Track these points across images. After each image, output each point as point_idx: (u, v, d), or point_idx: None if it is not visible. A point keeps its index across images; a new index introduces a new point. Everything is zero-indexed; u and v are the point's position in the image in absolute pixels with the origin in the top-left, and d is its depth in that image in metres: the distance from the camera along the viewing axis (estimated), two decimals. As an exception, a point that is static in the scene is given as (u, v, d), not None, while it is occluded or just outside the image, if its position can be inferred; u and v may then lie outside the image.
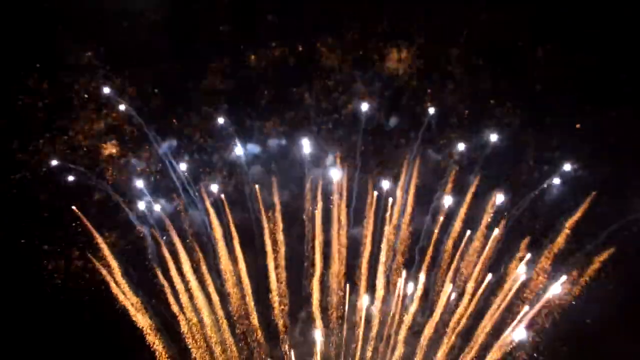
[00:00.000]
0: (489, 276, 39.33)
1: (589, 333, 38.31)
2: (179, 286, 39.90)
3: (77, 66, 43.82)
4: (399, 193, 42.16)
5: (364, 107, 43.68)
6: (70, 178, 41.43)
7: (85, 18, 44.39)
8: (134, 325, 38.70)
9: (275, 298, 40.90)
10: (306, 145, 42.54)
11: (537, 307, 37.87)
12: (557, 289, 37.34)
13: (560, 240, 39.95)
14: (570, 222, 40.08)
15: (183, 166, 43.04)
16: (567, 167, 41.41)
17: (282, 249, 41.88)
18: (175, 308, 39.46)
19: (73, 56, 43.88)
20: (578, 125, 42.61)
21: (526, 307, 37.87)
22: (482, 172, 42.10)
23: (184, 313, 39.57)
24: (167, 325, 39.24)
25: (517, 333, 37.51)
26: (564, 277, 37.57)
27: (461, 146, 43.12)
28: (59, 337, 38.35)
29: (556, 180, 41.50)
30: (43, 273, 40.04)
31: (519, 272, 38.99)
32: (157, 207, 41.72)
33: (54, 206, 41.05)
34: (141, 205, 41.45)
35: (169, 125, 44.22)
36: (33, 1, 44.07)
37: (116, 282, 39.31)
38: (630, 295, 38.06)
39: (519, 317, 37.86)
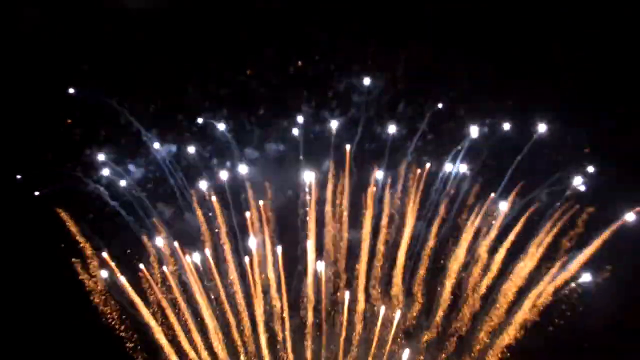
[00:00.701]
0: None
1: (589, 334, 38.30)
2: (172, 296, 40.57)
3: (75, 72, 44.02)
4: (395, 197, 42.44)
5: (361, 112, 43.95)
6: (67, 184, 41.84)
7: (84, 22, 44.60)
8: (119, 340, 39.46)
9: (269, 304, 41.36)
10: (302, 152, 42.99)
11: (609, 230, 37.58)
12: (631, 216, 37.17)
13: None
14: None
15: (180, 172, 43.46)
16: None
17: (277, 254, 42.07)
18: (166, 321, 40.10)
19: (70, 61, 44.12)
20: (587, 150, 42.18)
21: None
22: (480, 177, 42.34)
23: (173, 328, 40.11)
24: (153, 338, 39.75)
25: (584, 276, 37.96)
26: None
27: (460, 148, 42.97)
28: (49, 346, 38.93)
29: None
30: (36, 279, 40.42)
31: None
32: (154, 213, 42.26)
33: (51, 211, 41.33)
34: (139, 212, 41.97)
35: (167, 131, 44.42)
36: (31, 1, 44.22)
37: (101, 293, 39.76)
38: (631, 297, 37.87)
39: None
